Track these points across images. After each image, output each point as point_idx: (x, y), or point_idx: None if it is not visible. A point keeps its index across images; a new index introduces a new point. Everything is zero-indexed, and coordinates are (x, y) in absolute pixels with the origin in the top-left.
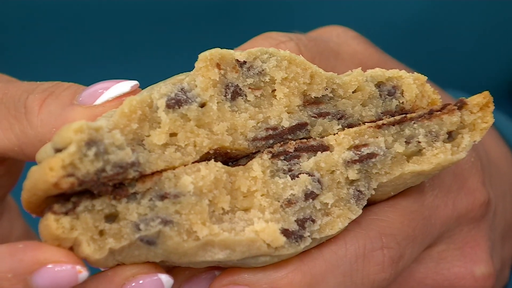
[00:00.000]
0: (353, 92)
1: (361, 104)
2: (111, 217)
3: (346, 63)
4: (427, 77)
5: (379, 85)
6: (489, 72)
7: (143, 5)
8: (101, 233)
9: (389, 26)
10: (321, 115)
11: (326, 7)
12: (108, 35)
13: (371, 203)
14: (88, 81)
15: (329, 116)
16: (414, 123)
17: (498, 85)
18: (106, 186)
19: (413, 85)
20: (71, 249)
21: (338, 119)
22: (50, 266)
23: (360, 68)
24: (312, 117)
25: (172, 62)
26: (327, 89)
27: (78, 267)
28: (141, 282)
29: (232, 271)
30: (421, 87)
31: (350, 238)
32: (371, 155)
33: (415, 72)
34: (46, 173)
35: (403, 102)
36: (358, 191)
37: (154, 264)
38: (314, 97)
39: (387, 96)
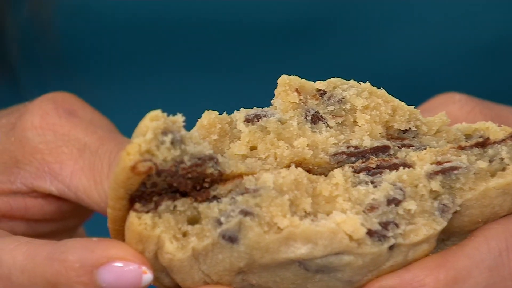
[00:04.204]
0: (437, 132)
1: (446, 141)
2: (194, 221)
3: None
4: None
5: (466, 137)
6: None
7: (213, 24)
8: (184, 234)
9: (469, 48)
10: (405, 146)
11: (404, 29)
12: (184, 54)
13: (462, 233)
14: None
15: (413, 147)
16: (497, 144)
17: None
18: (186, 179)
19: (499, 133)
20: (155, 258)
21: (422, 150)
22: (117, 262)
23: (444, 112)
24: (396, 146)
25: (243, 84)
26: (410, 122)
27: (144, 268)
28: None
29: (376, 280)
30: None
31: (490, 234)
32: (454, 168)
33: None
34: (124, 158)
35: None
36: (443, 204)
37: None
38: (398, 129)
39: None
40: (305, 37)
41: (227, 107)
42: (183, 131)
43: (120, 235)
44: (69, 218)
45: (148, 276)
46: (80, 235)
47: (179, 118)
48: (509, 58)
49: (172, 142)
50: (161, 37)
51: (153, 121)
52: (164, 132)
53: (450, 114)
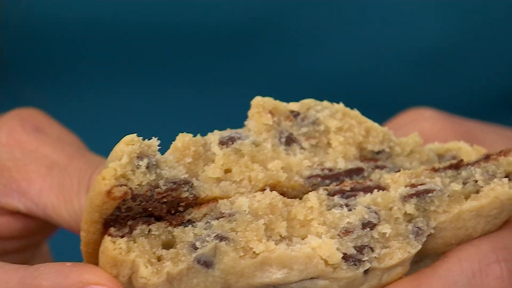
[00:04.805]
0: (411, 153)
1: (419, 162)
2: (168, 246)
3: None
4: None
5: (438, 157)
6: (496, 87)
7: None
8: (159, 258)
9: (402, 56)
10: (378, 167)
11: (344, 38)
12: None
13: (436, 255)
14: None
15: (387, 169)
16: (470, 166)
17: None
18: (161, 203)
19: (472, 153)
20: (129, 282)
21: (396, 172)
22: (91, 287)
23: (417, 132)
24: (370, 168)
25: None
26: (383, 143)
27: None
28: None
29: None
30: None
31: (463, 255)
32: (428, 191)
33: (474, 145)
34: (99, 183)
35: None
36: (417, 227)
37: None
38: (371, 151)
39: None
40: (258, 44)
41: (192, 117)
42: (158, 155)
43: (93, 258)
44: (35, 234)
45: None
46: (44, 252)
47: (154, 142)
48: (447, 64)
49: (148, 167)
50: (121, 49)
51: (128, 145)
52: (140, 157)
53: (422, 131)
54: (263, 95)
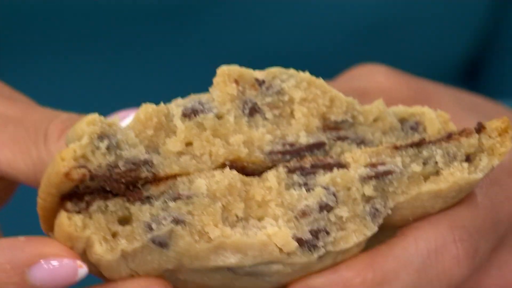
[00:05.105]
0: (374, 121)
1: (382, 132)
2: (124, 221)
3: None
4: (449, 116)
5: (401, 121)
6: (443, 58)
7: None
8: (114, 234)
9: (345, 27)
10: (340, 138)
11: (286, 8)
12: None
13: (393, 228)
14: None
15: (348, 140)
16: (432, 145)
17: (452, 69)
18: (119, 183)
19: (435, 120)
20: (84, 253)
21: (358, 143)
22: (49, 259)
23: (381, 98)
24: (331, 139)
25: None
26: (347, 113)
27: (79, 262)
28: None
29: (301, 279)
30: (444, 124)
31: (420, 234)
32: (388, 172)
33: (438, 110)
34: (58, 163)
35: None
36: (374, 208)
37: (165, 282)
38: (334, 121)
39: (409, 130)
40: (195, 16)
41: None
42: (120, 134)
43: (49, 221)
44: None
45: (83, 270)
46: None
47: (116, 121)
48: (390, 37)
49: (108, 148)
50: (74, 19)
51: (89, 125)
52: (100, 137)
53: (376, 83)
54: (217, 65)
